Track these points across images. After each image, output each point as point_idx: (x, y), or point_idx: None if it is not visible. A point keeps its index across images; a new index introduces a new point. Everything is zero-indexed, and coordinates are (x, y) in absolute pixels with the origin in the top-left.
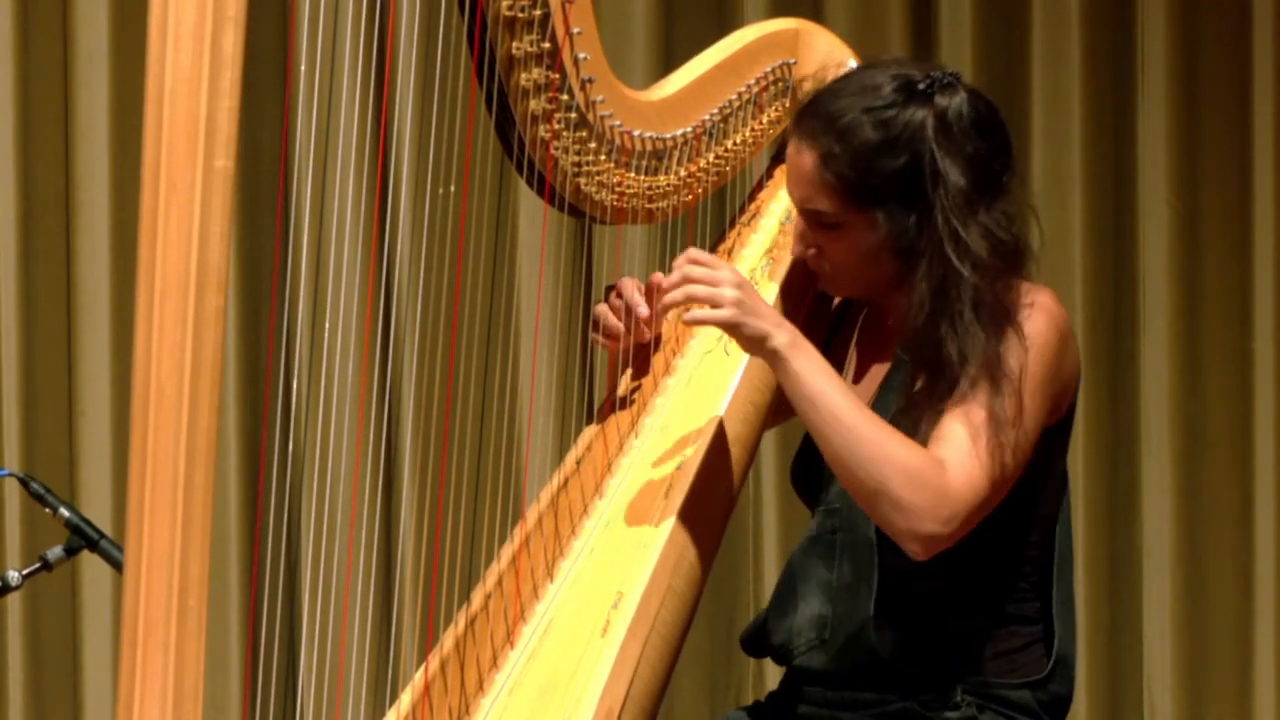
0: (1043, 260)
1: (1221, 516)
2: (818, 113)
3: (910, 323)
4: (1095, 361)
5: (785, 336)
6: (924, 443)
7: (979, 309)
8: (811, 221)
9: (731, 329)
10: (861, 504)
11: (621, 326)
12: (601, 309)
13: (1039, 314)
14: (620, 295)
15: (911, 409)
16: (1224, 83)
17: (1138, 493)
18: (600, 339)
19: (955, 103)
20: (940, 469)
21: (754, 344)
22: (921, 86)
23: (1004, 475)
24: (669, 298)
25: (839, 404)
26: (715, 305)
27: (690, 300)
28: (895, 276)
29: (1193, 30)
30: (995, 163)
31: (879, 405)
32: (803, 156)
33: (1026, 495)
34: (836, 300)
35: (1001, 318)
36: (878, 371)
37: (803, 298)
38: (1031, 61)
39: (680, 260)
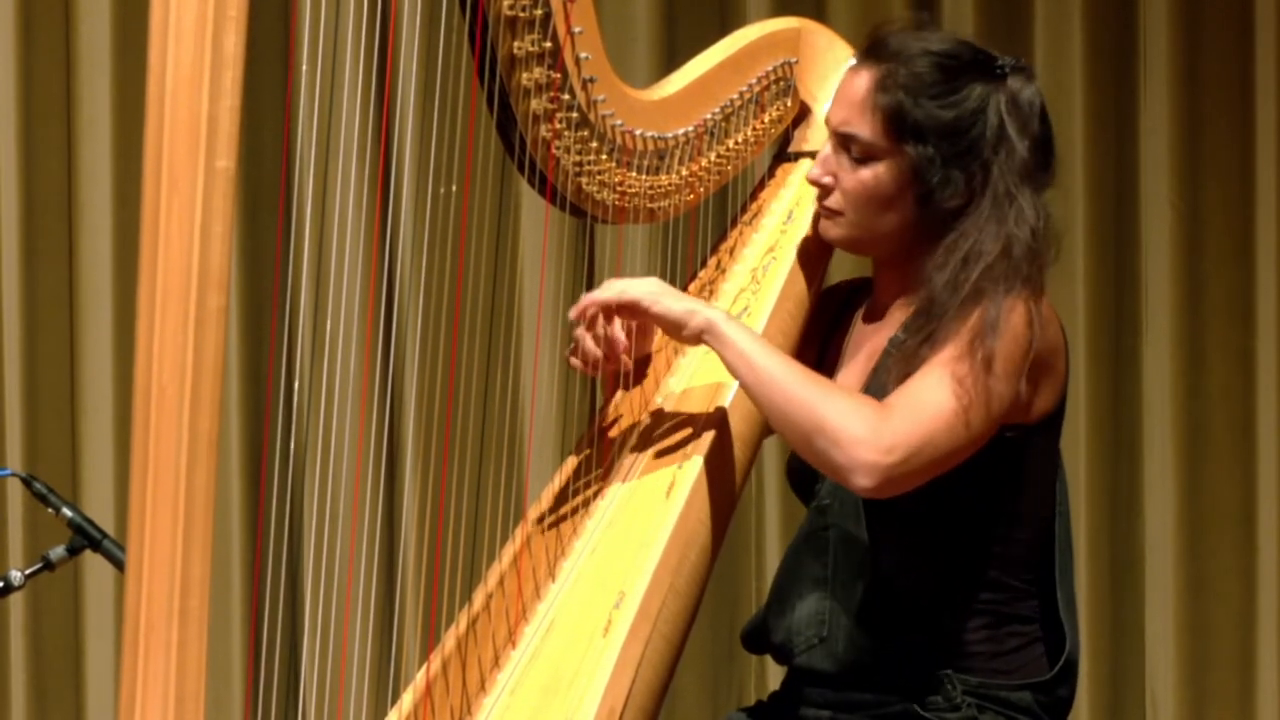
0: None
1: (1224, 515)
2: (888, 44)
3: (933, 277)
4: (1097, 360)
5: (713, 311)
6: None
7: (1009, 271)
8: (843, 148)
9: (652, 304)
10: (803, 452)
11: (598, 353)
12: (580, 333)
13: (1021, 303)
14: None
15: (902, 370)
16: (1226, 82)
17: (1140, 492)
18: (575, 362)
19: (1029, 90)
20: (880, 405)
21: (683, 319)
22: (999, 66)
23: (976, 419)
24: (594, 297)
25: (775, 361)
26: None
27: (610, 295)
28: (903, 230)
29: (1195, 29)
30: (1049, 156)
31: (871, 389)
32: (859, 76)
33: (1005, 495)
34: (840, 281)
35: (1019, 287)
36: (870, 359)
37: (805, 296)
38: (1034, 60)
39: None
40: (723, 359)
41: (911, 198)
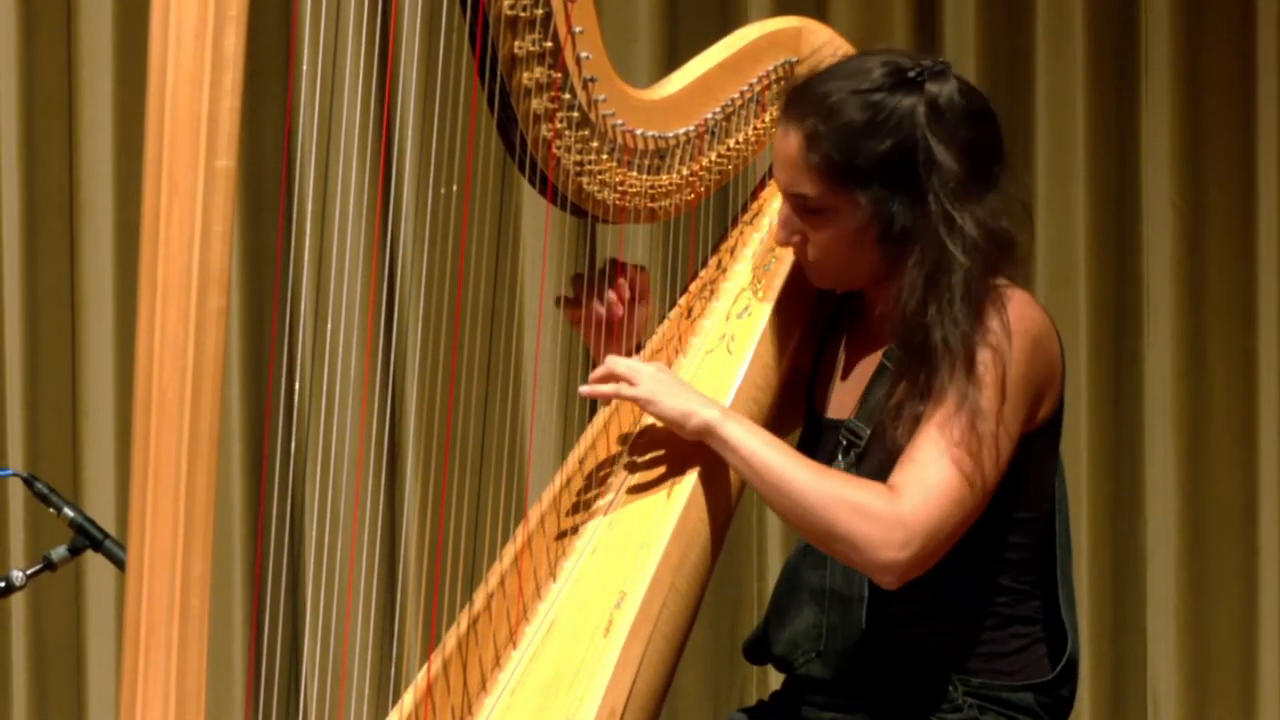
0: (1046, 260)
1: (1225, 515)
2: (805, 94)
3: (898, 309)
4: (1098, 361)
5: (712, 410)
6: (901, 449)
7: (968, 298)
8: (796, 207)
9: (648, 405)
10: (824, 551)
11: (601, 313)
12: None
13: (1010, 316)
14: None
15: (895, 413)
16: (1228, 82)
17: (1141, 492)
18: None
19: (946, 90)
20: (890, 496)
21: (680, 421)
22: (912, 74)
23: (979, 480)
24: (590, 388)
25: (779, 462)
26: (632, 384)
27: (609, 378)
28: (879, 265)
29: (1196, 29)
30: (987, 152)
31: (864, 410)
32: (788, 138)
33: (1006, 499)
34: (834, 289)
35: (984, 312)
36: (865, 372)
37: (805, 296)
38: (1035, 60)
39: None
40: (725, 459)
41: (875, 234)
